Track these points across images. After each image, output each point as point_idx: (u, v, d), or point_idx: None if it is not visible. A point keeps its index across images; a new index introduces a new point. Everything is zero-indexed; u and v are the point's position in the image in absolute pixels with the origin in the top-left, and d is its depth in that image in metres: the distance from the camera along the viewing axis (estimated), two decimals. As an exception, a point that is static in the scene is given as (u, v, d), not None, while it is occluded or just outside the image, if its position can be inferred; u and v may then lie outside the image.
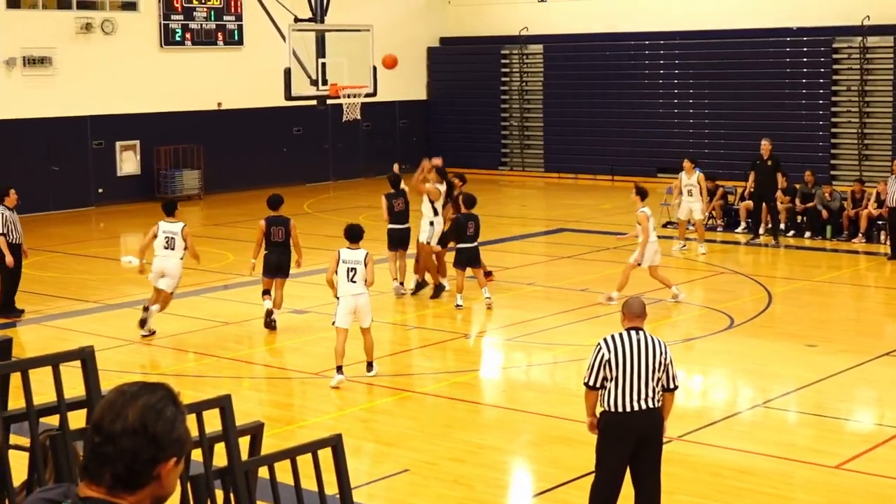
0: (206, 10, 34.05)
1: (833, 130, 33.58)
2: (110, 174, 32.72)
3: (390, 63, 23.27)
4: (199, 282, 21.39)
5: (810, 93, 33.75)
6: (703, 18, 35.19)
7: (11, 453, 6.45)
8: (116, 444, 3.12)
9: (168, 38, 33.38)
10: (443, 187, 20.23)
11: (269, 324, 17.77)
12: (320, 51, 24.01)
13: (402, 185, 20.56)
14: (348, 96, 24.42)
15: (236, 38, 34.67)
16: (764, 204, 25.40)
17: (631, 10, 36.55)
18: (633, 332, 9.46)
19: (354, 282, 14.68)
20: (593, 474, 9.71)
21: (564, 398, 14.13)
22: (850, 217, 25.49)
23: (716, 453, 12.15)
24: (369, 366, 15.12)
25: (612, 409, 9.38)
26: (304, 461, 6.93)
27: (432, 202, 19.92)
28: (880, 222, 24.95)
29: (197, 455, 6.36)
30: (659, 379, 9.38)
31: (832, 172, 32.42)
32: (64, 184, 31.47)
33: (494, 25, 39.33)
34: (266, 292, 18.01)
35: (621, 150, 36.64)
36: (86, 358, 6.52)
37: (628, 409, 9.32)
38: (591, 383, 9.46)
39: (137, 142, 33.18)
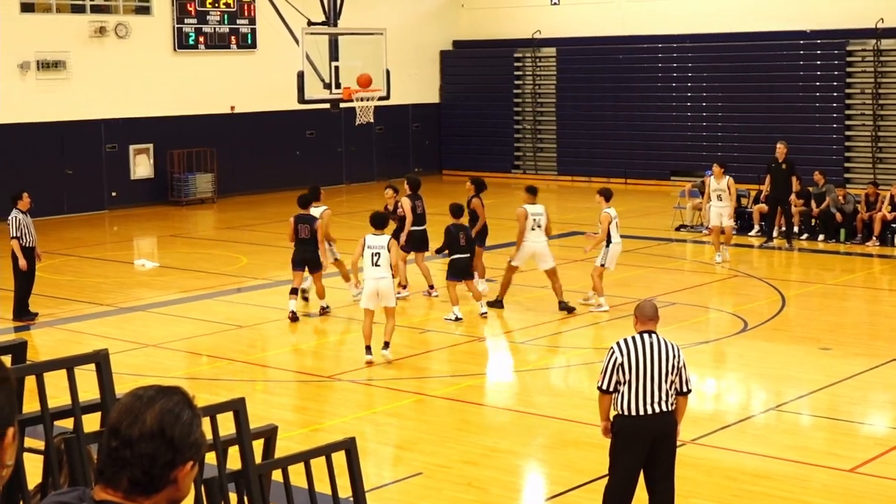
0: (219, 13, 34.11)
1: (847, 133, 33.50)
2: (124, 177, 32.79)
3: (364, 83, 23.16)
4: (212, 285, 21.43)
5: (824, 95, 33.69)
6: (716, 21, 35.14)
7: (26, 456, 6.46)
8: (134, 448, 3.13)
9: (181, 42, 33.45)
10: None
11: (294, 319, 18.29)
12: (333, 54, 24.03)
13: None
14: (361, 100, 24.43)
15: (249, 41, 34.73)
16: (778, 207, 25.35)
17: (644, 13, 36.52)
18: (645, 336, 9.45)
19: (378, 265, 15.61)
20: (607, 478, 9.70)
21: (578, 401, 14.12)
22: (863, 220, 25.42)
23: (730, 457, 12.13)
24: (385, 345, 15.82)
25: (626, 413, 9.37)
26: (318, 464, 6.94)
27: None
28: (894, 225, 24.89)
29: (211, 458, 6.37)
30: (672, 382, 9.37)
31: (846, 175, 32.34)
32: (78, 187, 31.54)
33: (507, 28, 39.32)
34: (293, 291, 18.44)
35: (634, 154, 36.61)
36: (100, 361, 6.54)
37: (642, 412, 9.31)
38: (604, 387, 9.46)
39: (151, 145, 33.25)
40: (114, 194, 32.51)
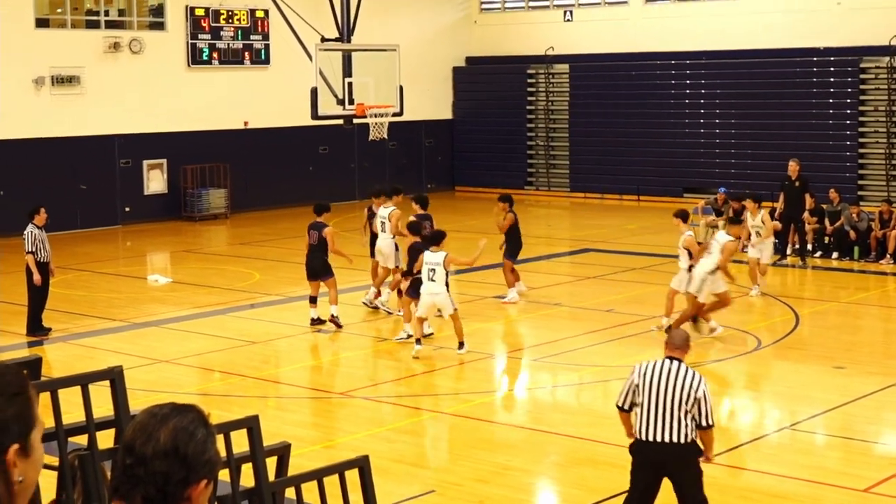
0: (233, 29, 34.22)
1: (860, 151, 33.45)
2: (137, 193, 32.87)
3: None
4: (225, 300, 21.44)
5: (837, 113, 33.64)
6: (730, 38, 35.13)
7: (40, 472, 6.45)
8: (148, 466, 3.12)
9: (195, 58, 33.55)
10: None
11: (316, 322, 18.79)
12: (347, 70, 24.10)
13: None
14: (375, 116, 24.48)
15: (263, 57, 34.82)
16: (792, 225, 25.30)
17: (657, 30, 36.53)
18: (667, 362, 9.38)
19: (434, 281, 16.55)
20: (621, 495, 9.68)
21: (591, 419, 14.08)
22: (877, 238, 25.35)
23: (743, 476, 12.08)
24: (460, 345, 16.84)
25: (637, 436, 9.34)
26: (331, 482, 6.93)
27: None
28: (908, 243, 24.81)
29: (224, 475, 6.36)
30: (689, 413, 9.23)
31: (860, 193, 32.26)
32: (91, 202, 31.62)
33: (520, 45, 39.36)
34: (312, 300, 18.78)
35: (647, 170, 36.58)
36: (115, 378, 6.53)
37: (649, 438, 9.25)
38: (619, 404, 9.44)
39: (164, 160, 33.33)
40: (127, 209, 32.58)
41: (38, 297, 18.63)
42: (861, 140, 33.46)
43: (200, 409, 3.28)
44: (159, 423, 3.18)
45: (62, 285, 21.99)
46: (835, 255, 25.69)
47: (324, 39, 24.49)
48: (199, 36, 33.57)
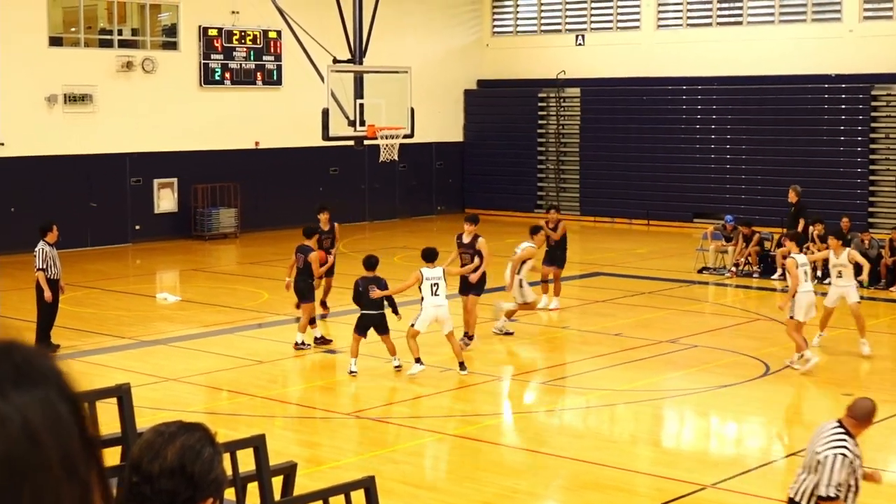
0: (245, 49, 34.33)
1: (871, 178, 33.43)
2: (148, 211, 32.93)
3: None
4: (233, 320, 21.45)
5: (848, 139, 33.64)
6: (741, 65, 35.16)
7: None
8: (154, 484, 3.12)
9: (207, 78, 33.66)
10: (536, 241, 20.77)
11: (321, 341, 19.07)
12: (358, 92, 24.15)
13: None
14: (385, 137, 24.52)
15: (275, 77, 34.92)
16: None
17: (669, 55, 36.58)
18: (829, 423, 9.04)
19: (437, 294, 17.11)
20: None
21: (598, 443, 14.06)
22: (887, 265, 25.31)
23: (750, 502, 12.04)
24: (461, 366, 17.19)
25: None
26: (337, 502, 6.92)
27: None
28: (918, 271, 24.75)
29: (230, 494, 6.36)
30: (812, 476, 8.74)
31: (870, 220, 32.24)
32: (102, 220, 31.68)
33: (531, 68, 39.43)
34: (311, 321, 19.00)
35: (657, 195, 36.58)
36: (122, 395, 6.55)
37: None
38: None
39: (175, 179, 33.41)
40: (138, 227, 32.64)
41: (47, 313, 18.66)
42: (872, 167, 33.44)
43: (207, 427, 3.28)
44: (166, 441, 3.19)
45: (71, 302, 22.02)
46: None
47: (336, 61, 24.55)
48: (212, 56, 33.68)
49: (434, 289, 17.14)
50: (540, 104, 39.49)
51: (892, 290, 24.88)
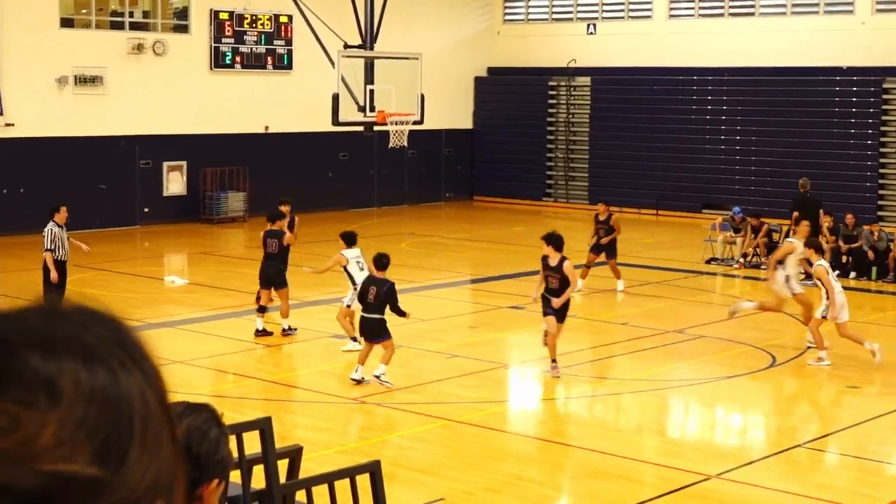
0: (256, 34, 34.30)
1: (881, 171, 33.36)
2: (156, 194, 32.96)
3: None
4: (240, 303, 21.47)
5: (858, 132, 33.56)
6: (753, 56, 35.07)
7: None
8: (161, 464, 3.13)
9: (218, 61, 33.65)
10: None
11: (262, 333, 18.46)
12: (368, 77, 24.13)
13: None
14: (395, 123, 24.51)
15: (286, 62, 34.90)
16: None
17: (680, 45, 36.50)
18: None
19: (364, 270, 16.96)
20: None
21: (605, 432, 14.06)
22: (895, 259, 25.26)
23: (755, 493, 12.04)
24: (353, 339, 17.17)
25: None
26: (342, 486, 6.93)
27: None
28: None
29: (236, 476, 6.37)
30: None
31: (879, 213, 32.17)
32: (111, 202, 31.71)
33: (542, 57, 39.37)
34: (261, 309, 18.56)
35: (666, 185, 36.53)
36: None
37: None
38: None
39: (184, 163, 33.43)
40: (146, 210, 32.67)
41: (53, 295, 18.68)
42: (882, 160, 33.36)
43: (213, 408, 3.29)
44: (173, 421, 3.19)
45: (79, 284, 22.06)
46: (852, 274, 25.60)
47: (346, 46, 24.53)
48: (223, 39, 33.67)
49: (360, 265, 17.23)
50: (550, 93, 39.43)
51: (900, 284, 24.83)
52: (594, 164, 38.46)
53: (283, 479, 7.02)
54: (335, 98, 23.64)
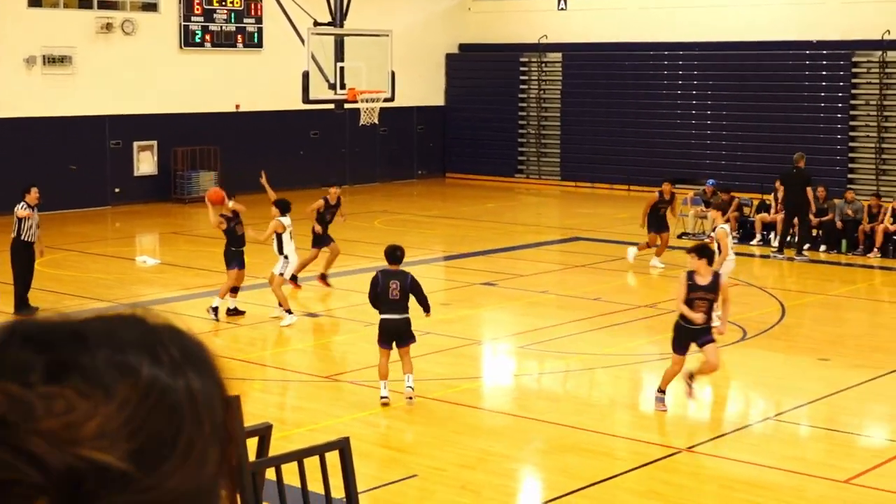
0: (226, 12, 34.13)
1: (851, 144, 33.51)
2: (127, 174, 32.81)
3: (214, 198, 20.67)
4: (213, 283, 21.41)
5: (829, 106, 33.68)
6: (723, 30, 35.13)
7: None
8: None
9: (188, 40, 33.47)
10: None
11: (234, 312, 18.82)
12: (339, 55, 24.08)
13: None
14: (366, 101, 24.46)
15: (256, 40, 34.75)
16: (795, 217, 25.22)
17: (650, 20, 36.52)
18: None
19: (292, 239, 18.39)
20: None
21: (576, 407, 14.11)
22: (865, 231, 25.40)
23: (726, 465, 12.11)
24: (288, 312, 17.87)
25: None
26: (312, 464, 6.94)
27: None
28: (896, 237, 24.86)
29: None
30: None
31: (849, 186, 32.30)
32: (81, 183, 31.55)
33: (514, 33, 39.32)
34: (234, 290, 18.81)
35: (638, 160, 36.59)
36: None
37: None
38: None
39: (155, 142, 33.28)
40: (117, 190, 32.52)
41: (23, 276, 18.61)
42: (851, 134, 33.51)
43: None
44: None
45: (51, 265, 21.97)
46: (822, 247, 25.73)
47: (317, 24, 24.45)
48: (192, 18, 33.49)
49: (291, 234, 18.42)
50: (522, 69, 39.40)
51: (868, 257, 24.98)
52: (566, 140, 38.48)
53: (252, 457, 7.02)
54: (305, 76, 23.58)
